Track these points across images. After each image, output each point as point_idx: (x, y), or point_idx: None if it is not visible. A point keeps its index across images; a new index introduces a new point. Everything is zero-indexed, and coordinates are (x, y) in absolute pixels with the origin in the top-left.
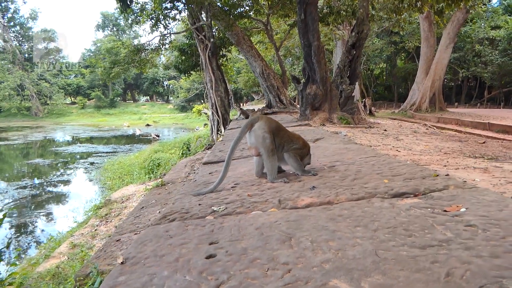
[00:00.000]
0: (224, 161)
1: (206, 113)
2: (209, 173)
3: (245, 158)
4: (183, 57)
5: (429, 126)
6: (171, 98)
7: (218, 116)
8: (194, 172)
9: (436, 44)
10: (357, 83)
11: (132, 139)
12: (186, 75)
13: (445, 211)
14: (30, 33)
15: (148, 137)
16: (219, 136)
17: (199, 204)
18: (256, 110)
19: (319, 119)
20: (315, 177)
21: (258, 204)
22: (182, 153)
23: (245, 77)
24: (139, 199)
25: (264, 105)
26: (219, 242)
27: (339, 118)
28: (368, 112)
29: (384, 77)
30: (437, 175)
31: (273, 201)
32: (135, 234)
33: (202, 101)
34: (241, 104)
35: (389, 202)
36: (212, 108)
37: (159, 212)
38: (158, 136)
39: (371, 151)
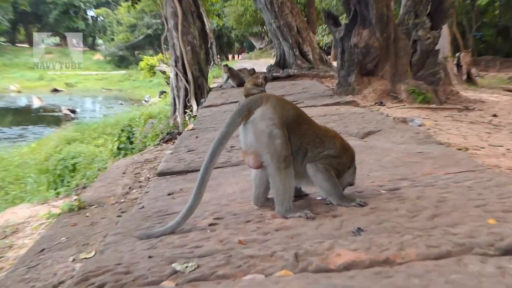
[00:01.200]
0: (197, 171)
1: (164, 73)
2: (169, 194)
3: (237, 167)
4: None
5: None
6: (101, 41)
7: (186, 80)
8: (141, 188)
9: None
10: (445, 25)
11: (26, 115)
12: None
13: None
14: None
15: (56, 113)
16: (187, 118)
17: (150, 257)
18: (257, 73)
19: (373, 92)
20: (363, 209)
21: (258, 261)
22: (118, 148)
23: (238, 8)
24: (37, 232)
25: (273, 62)
26: None
27: (410, 90)
28: (465, 77)
29: (497, 12)
30: None
31: (285, 256)
32: None
33: (158, 49)
34: (231, 58)
35: (497, 264)
36: (176, 65)
37: (74, 259)
38: (74, 111)
39: (466, 161)
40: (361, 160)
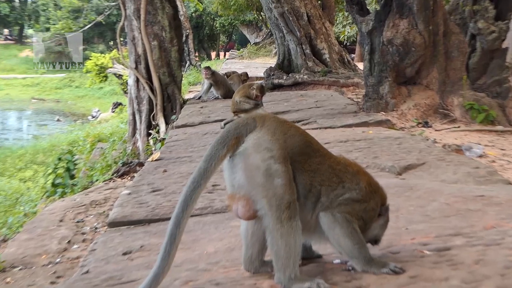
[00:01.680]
0: (165, 220)
1: (120, 77)
2: (124, 254)
3: (221, 216)
4: None
5: None
6: (32, 32)
7: (151, 88)
8: (85, 243)
9: None
10: None
11: None
12: None
13: None
14: None
15: None
16: (152, 143)
17: None
18: (250, 79)
19: (415, 108)
20: (398, 277)
21: None
22: (53, 185)
23: None
24: None
25: (274, 64)
26: None
27: (466, 106)
28: None
29: None
30: None
31: None
32: None
33: (112, 44)
34: (215, 56)
35: None
36: (136, 67)
37: None
38: None
39: None
40: (396, 206)
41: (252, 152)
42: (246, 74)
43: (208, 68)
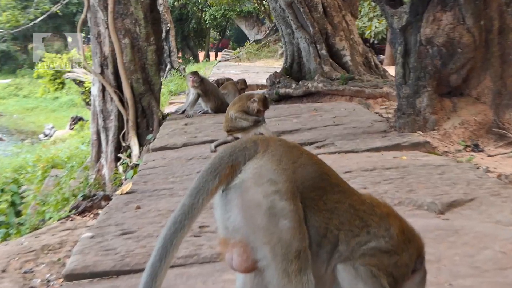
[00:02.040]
0: (137, 272)
1: (81, 84)
2: None
3: (209, 267)
4: None
5: None
6: None
7: (121, 99)
8: None
9: None
10: None
11: None
12: None
13: None
14: None
15: None
16: (121, 170)
17: None
18: (248, 88)
19: (461, 126)
20: None
21: None
22: None
23: None
24: None
25: (280, 69)
26: None
27: None
28: None
29: None
30: None
31: None
32: None
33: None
34: (203, 57)
35: None
36: (102, 71)
37: None
38: None
39: None
40: (437, 255)
41: (251, 185)
42: (244, 81)
43: (195, 73)
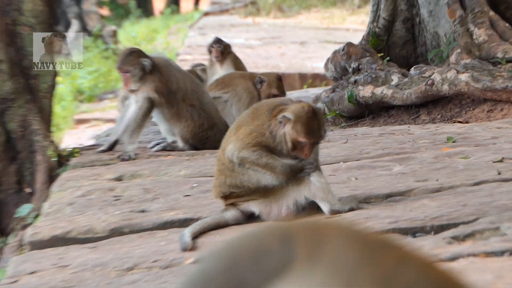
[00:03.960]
0: None
1: None
2: None
3: None
4: None
5: None
6: None
7: None
8: None
9: None
10: None
11: None
12: None
13: None
14: None
15: None
16: None
17: None
18: (287, 83)
19: None
20: None
21: None
22: None
23: None
24: None
25: (365, 34)
26: None
27: None
28: None
29: None
30: None
31: None
32: None
33: None
34: (163, 8)
35: None
36: None
37: None
38: None
39: None
40: None
41: None
42: (276, 78)
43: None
